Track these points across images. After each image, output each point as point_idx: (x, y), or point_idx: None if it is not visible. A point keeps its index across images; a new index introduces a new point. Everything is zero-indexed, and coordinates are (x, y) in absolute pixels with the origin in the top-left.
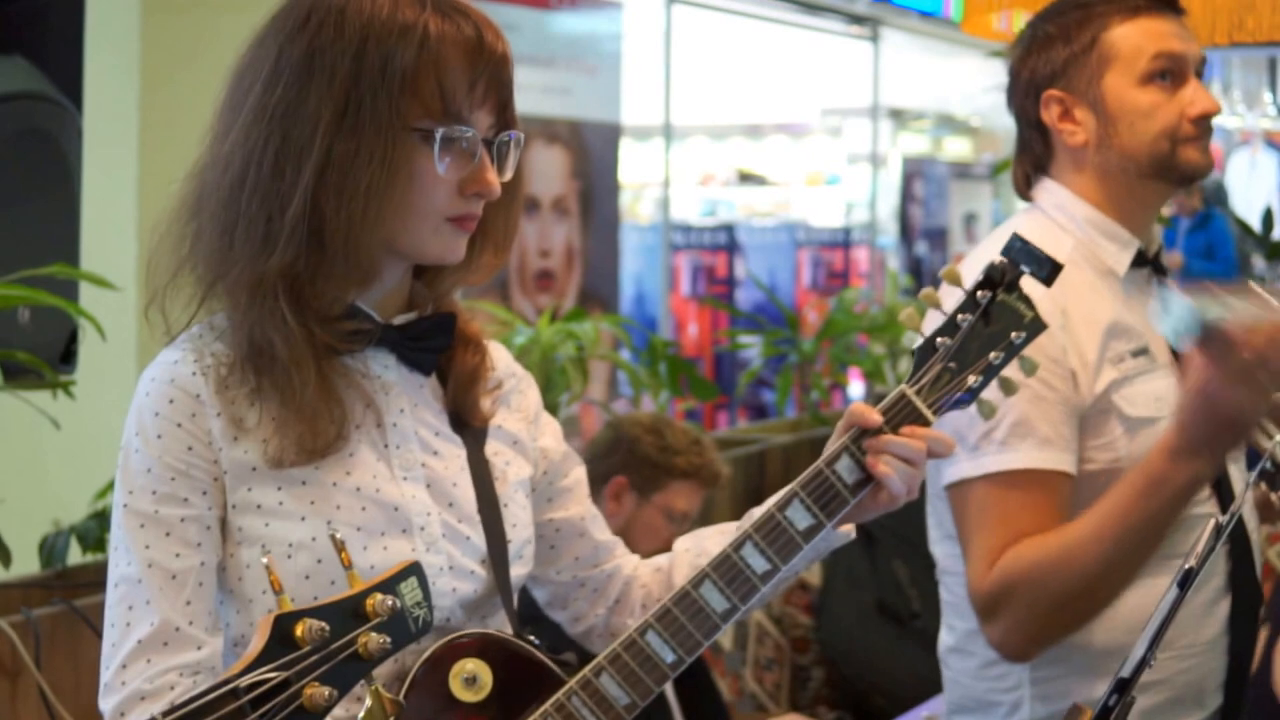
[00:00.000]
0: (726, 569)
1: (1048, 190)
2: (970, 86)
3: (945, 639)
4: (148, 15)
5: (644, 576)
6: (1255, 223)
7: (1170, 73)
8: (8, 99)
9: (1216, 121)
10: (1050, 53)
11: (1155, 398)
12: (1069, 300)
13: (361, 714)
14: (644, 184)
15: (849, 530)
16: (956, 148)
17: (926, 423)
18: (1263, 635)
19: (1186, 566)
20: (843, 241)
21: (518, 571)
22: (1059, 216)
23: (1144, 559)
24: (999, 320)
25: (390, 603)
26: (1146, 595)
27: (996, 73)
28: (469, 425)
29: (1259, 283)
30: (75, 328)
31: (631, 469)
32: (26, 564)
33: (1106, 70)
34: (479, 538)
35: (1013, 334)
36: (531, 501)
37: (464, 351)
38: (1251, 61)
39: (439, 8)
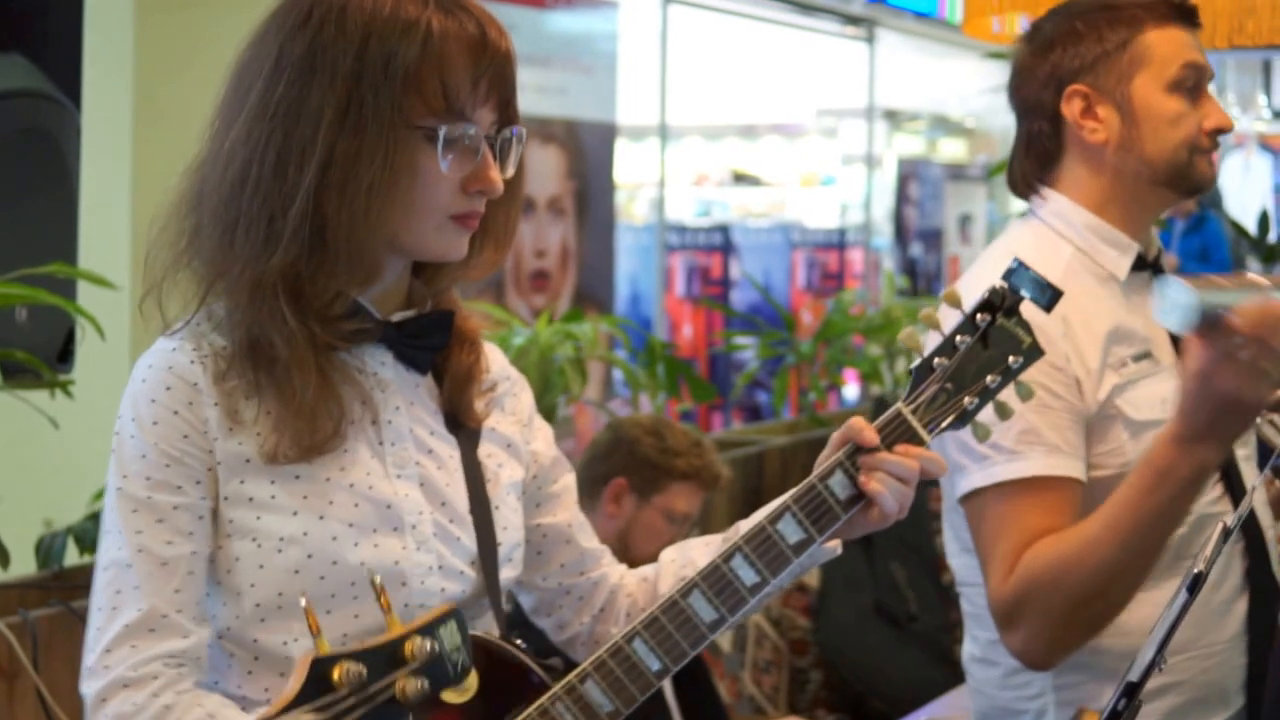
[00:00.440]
0: (716, 580)
1: (1046, 198)
2: (965, 88)
3: (969, 649)
4: (141, 14)
5: (630, 586)
6: (1249, 225)
7: (1194, 84)
8: (7, 97)
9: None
10: (1079, 48)
11: (1160, 400)
12: (1069, 308)
13: None
14: (639, 184)
15: (835, 545)
16: (951, 149)
17: (921, 442)
18: None
19: (1195, 570)
20: (837, 243)
21: (507, 574)
22: (1057, 224)
23: (1157, 553)
24: (997, 344)
25: (430, 646)
26: (1167, 599)
27: (992, 74)
28: (463, 426)
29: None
30: (73, 327)
31: (632, 471)
32: (24, 565)
33: (1138, 72)
34: (469, 539)
35: (1010, 358)
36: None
37: (460, 350)
38: (1246, 65)
39: (442, 4)
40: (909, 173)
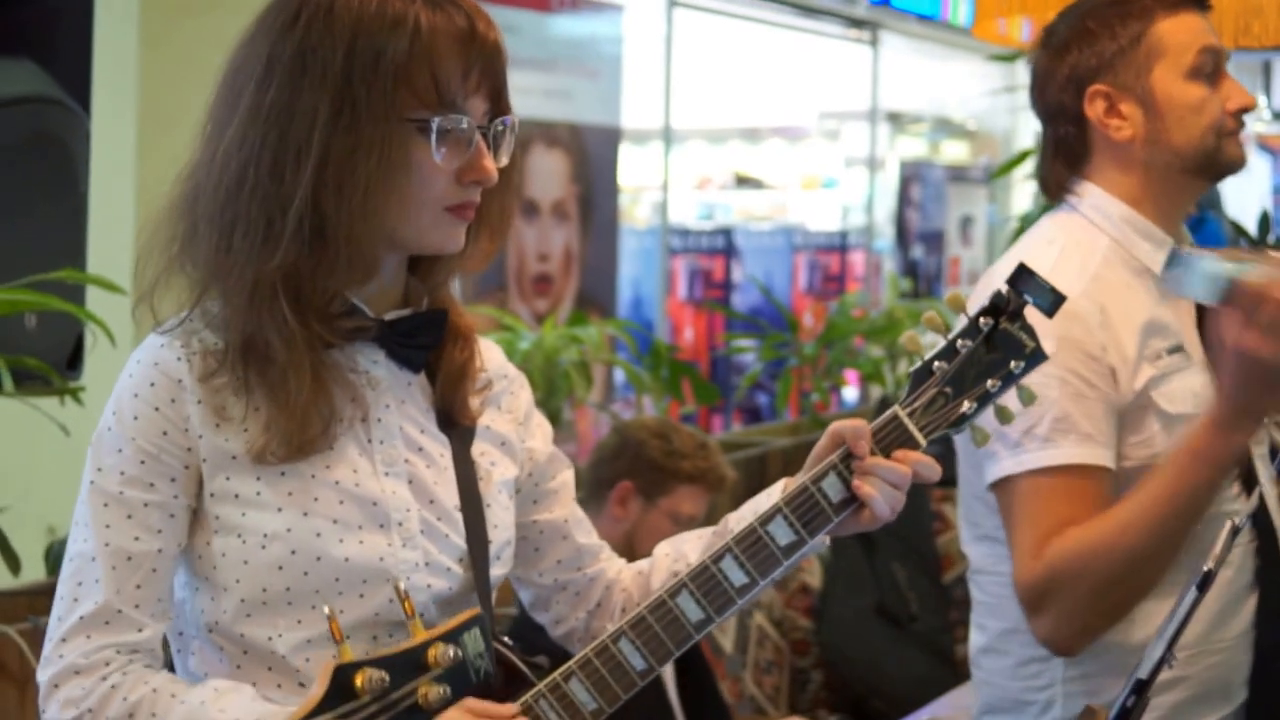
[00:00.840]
0: (704, 580)
1: (1085, 191)
2: (968, 90)
3: (977, 640)
4: (146, 20)
5: (625, 581)
6: (1249, 226)
7: (1212, 68)
8: (18, 102)
9: None
10: (1095, 47)
11: (1192, 394)
12: (1107, 299)
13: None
14: (641, 188)
15: (823, 541)
16: (954, 151)
17: (917, 445)
18: None
19: (1205, 569)
20: (839, 245)
21: (496, 572)
22: (1094, 216)
23: (1185, 536)
24: (1000, 348)
25: (453, 653)
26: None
27: (994, 76)
28: (456, 424)
29: None
30: (82, 333)
31: (637, 474)
32: (34, 571)
33: (1155, 64)
34: (458, 536)
35: (1013, 363)
36: (517, 502)
37: (453, 348)
38: (1245, 66)
39: None
40: (911, 175)
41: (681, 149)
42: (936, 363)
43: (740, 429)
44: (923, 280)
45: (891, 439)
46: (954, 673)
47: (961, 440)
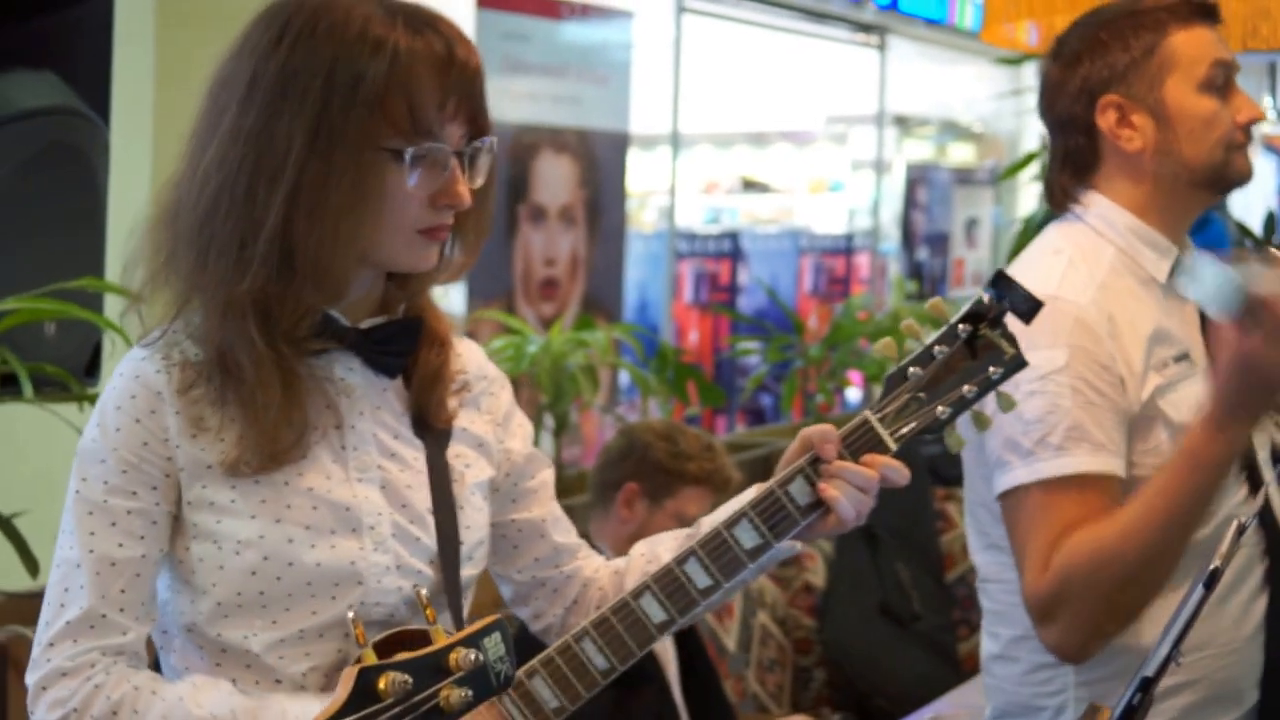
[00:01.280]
0: (668, 582)
1: (1092, 201)
2: (974, 93)
3: (989, 647)
4: (162, 29)
5: (602, 579)
6: (1254, 227)
7: (1223, 81)
8: (39, 114)
9: None
10: (1107, 58)
11: (1199, 402)
12: (1114, 308)
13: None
14: (649, 192)
15: (794, 544)
16: (960, 154)
17: (887, 450)
18: None
19: (1211, 567)
20: (844, 248)
21: (468, 572)
22: (1100, 226)
23: (1189, 537)
24: (979, 354)
25: (474, 657)
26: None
27: (1000, 80)
28: (431, 427)
29: None
30: (100, 340)
31: (644, 475)
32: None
33: (1168, 76)
34: (429, 538)
35: (991, 369)
36: (495, 501)
37: (428, 352)
38: (1251, 67)
39: (410, 24)
40: (918, 177)
41: (689, 154)
42: (911, 368)
43: (745, 430)
44: (928, 282)
45: (861, 443)
46: (956, 671)
47: (976, 452)
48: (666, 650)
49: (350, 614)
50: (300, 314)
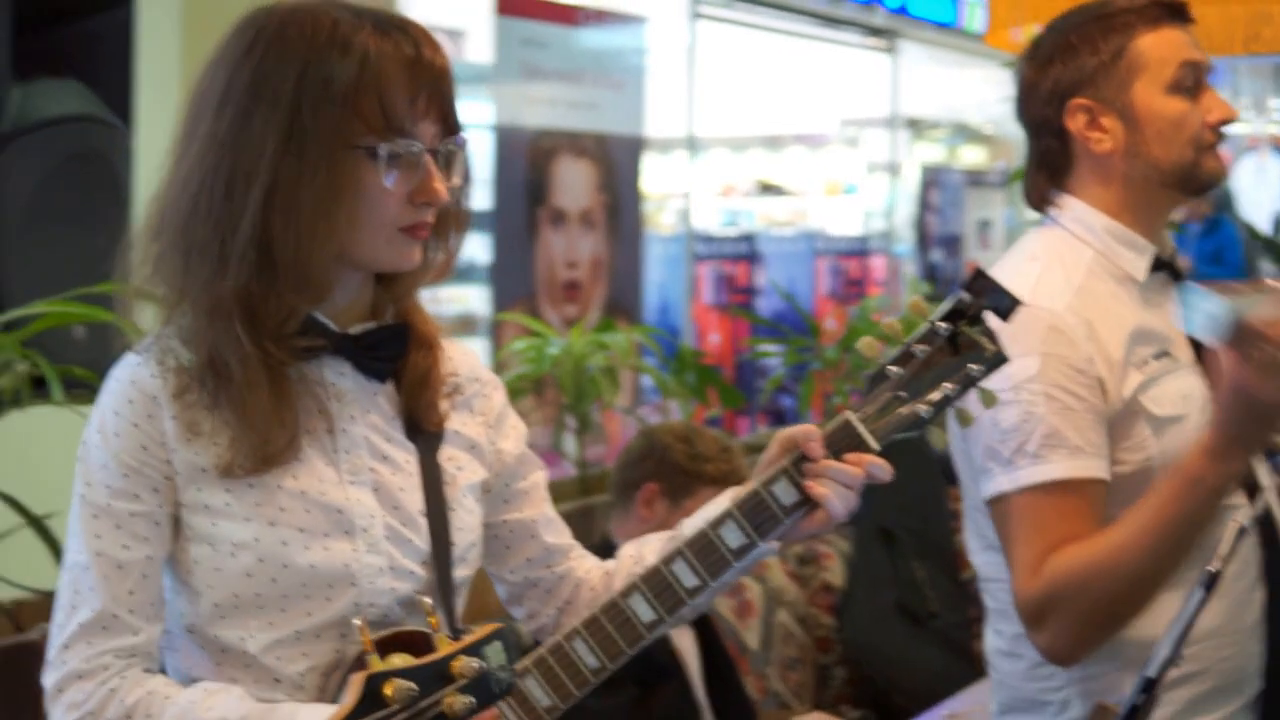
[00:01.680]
0: (656, 582)
1: (1066, 205)
2: (985, 96)
3: (993, 643)
4: (189, 38)
5: (594, 579)
6: (1263, 227)
7: (1193, 82)
8: (64, 121)
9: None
10: (1076, 61)
11: (1181, 396)
12: (1092, 310)
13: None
14: (666, 195)
15: (774, 544)
16: (971, 156)
17: (869, 449)
18: None
19: (1210, 569)
20: (860, 250)
21: (461, 573)
22: (1076, 229)
23: (1182, 558)
24: (959, 352)
25: (476, 665)
26: (1186, 596)
27: (1010, 82)
28: (423, 430)
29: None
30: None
31: (663, 476)
32: None
33: (1135, 79)
34: (422, 540)
35: (971, 366)
36: (487, 502)
37: (417, 355)
38: (1259, 68)
39: (378, 26)
40: (931, 180)
41: (705, 157)
42: (891, 367)
43: (766, 431)
44: (942, 283)
45: (844, 444)
46: (972, 668)
47: (961, 456)
48: (688, 647)
49: (357, 620)
50: (285, 314)
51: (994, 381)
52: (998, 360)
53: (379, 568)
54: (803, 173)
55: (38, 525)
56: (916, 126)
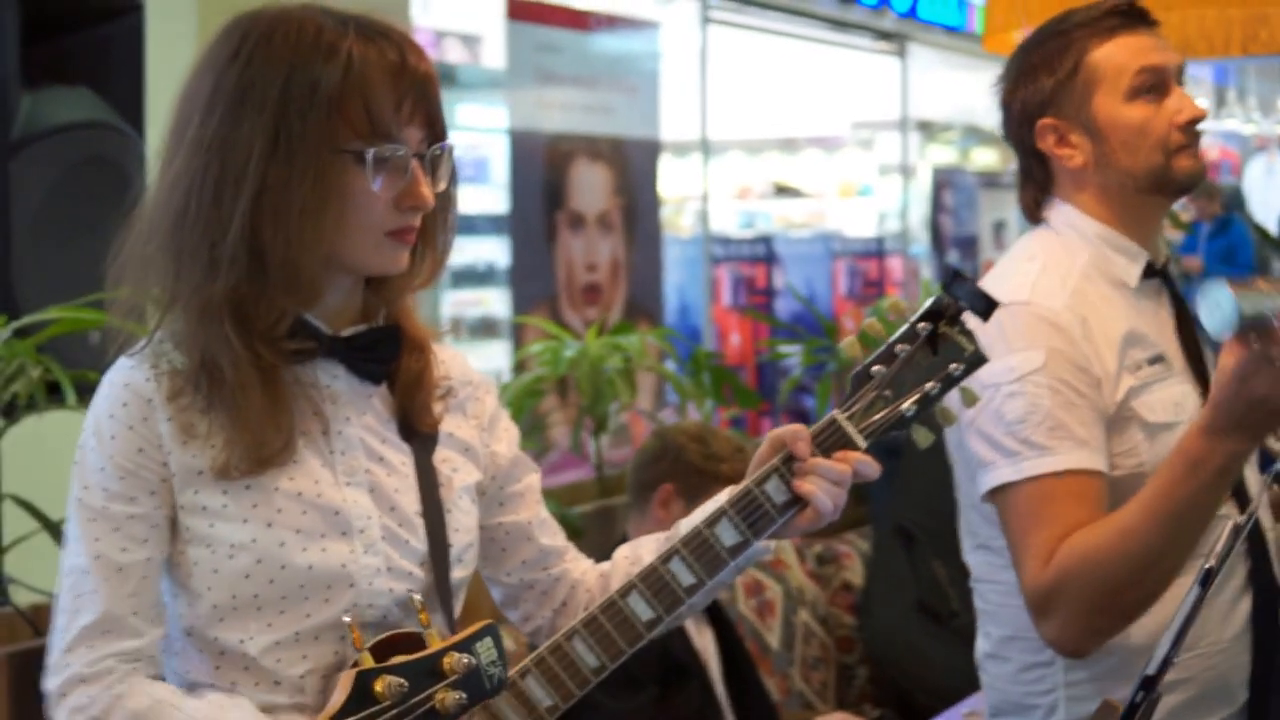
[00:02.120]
0: (653, 581)
1: (1057, 210)
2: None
3: (982, 645)
4: (200, 43)
5: (589, 581)
6: (1273, 227)
7: (1154, 86)
8: (74, 128)
9: (1233, 129)
10: (1037, 83)
11: (1174, 403)
12: (1087, 312)
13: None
14: (684, 198)
15: (768, 545)
16: (984, 158)
17: (857, 447)
18: None
19: (1206, 566)
20: (876, 251)
21: (458, 574)
22: (1069, 234)
23: (1192, 542)
24: (940, 352)
25: (466, 661)
26: (1178, 596)
27: None
28: (417, 431)
29: None
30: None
31: (678, 477)
32: None
33: (1094, 92)
34: (419, 541)
35: (952, 365)
36: (482, 505)
37: (409, 358)
38: (1266, 69)
39: (362, 32)
40: (943, 181)
41: (721, 160)
42: (875, 366)
43: None
44: None
45: (831, 442)
46: None
47: (957, 452)
48: (707, 646)
49: (347, 618)
50: (275, 316)
51: (995, 374)
52: (977, 360)
53: (376, 568)
54: (818, 175)
55: (54, 530)
56: (928, 129)
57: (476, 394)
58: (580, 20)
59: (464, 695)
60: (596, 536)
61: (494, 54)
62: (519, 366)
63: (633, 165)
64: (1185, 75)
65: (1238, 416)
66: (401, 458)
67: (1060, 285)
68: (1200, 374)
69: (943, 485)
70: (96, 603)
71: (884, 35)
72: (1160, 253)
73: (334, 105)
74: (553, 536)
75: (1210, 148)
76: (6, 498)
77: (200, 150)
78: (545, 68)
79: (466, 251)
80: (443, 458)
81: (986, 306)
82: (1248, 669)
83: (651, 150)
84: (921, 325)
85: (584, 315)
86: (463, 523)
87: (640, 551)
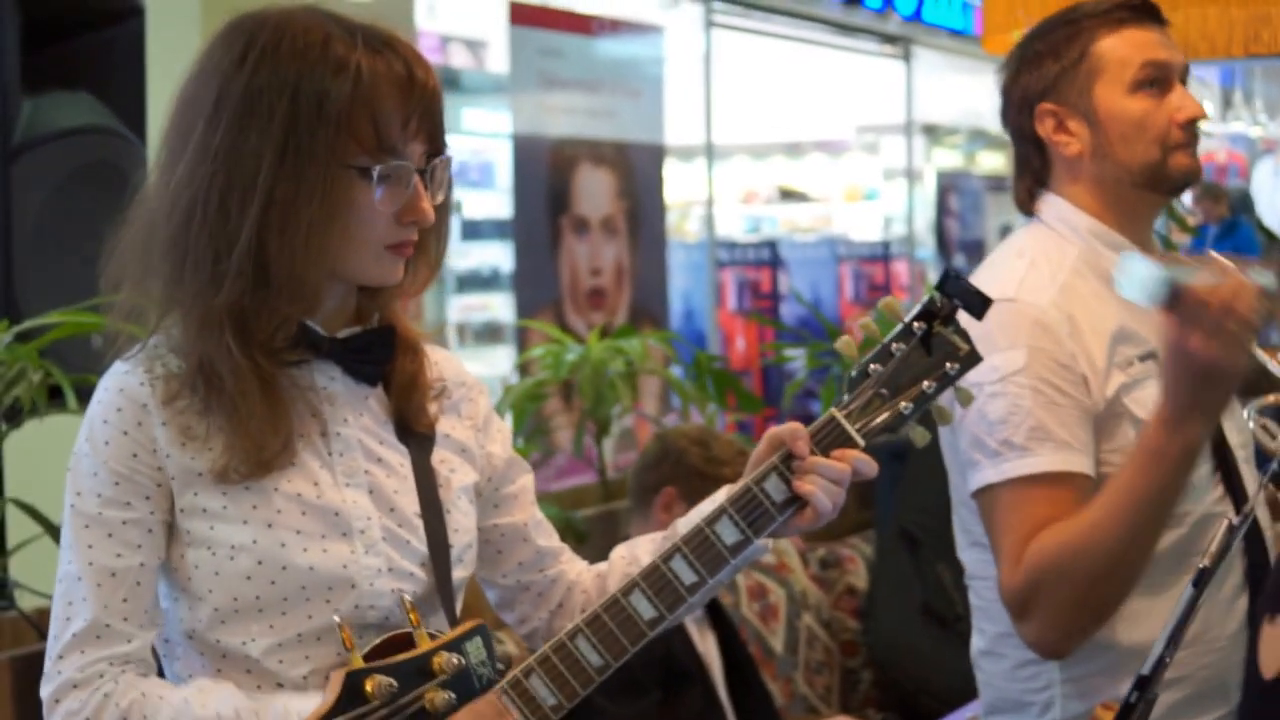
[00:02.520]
0: (655, 579)
1: (1049, 204)
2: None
3: (977, 643)
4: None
5: (585, 582)
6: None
7: (1157, 81)
8: (76, 133)
9: (1240, 131)
10: (1041, 69)
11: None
12: (1076, 308)
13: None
14: (689, 202)
15: (767, 544)
16: (990, 161)
17: (855, 445)
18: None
19: (1201, 566)
20: (882, 255)
21: (459, 574)
22: (1061, 228)
23: (1157, 533)
24: (935, 351)
25: (456, 661)
26: (1173, 596)
27: None
28: (414, 433)
29: None
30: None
31: (680, 480)
32: None
33: (1096, 81)
34: (419, 541)
35: (947, 365)
36: (478, 506)
37: (404, 360)
38: (1273, 71)
39: (369, 44)
40: (948, 185)
41: (726, 164)
42: (872, 365)
43: None
44: None
45: (830, 440)
46: None
47: (949, 450)
48: (710, 650)
49: (336, 618)
50: (276, 325)
51: (979, 374)
52: (971, 359)
53: (377, 569)
54: (823, 179)
55: (56, 533)
56: (933, 133)
57: (470, 395)
58: (584, 25)
59: (453, 695)
60: (600, 540)
61: (498, 59)
62: (521, 370)
63: (637, 170)
64: (1189, 76)
65: (1189, 395)
66: (399, 459)
67: (1049, 281)
68: None
69: (946, 488)
70: (87, 610)
71: (889, 39)
72: (1153, 248)
73: (342, 120)
74: (548, 538)
75: (1217, 150)
76: (9, 502)
77: (205, 159)
78: (549, 72)
79: (471, 256)
80: (440, 458)
81: (980, 305)
82: (1244, 668)
83: (656, 155)
84: (917, 324)
85: (588, 320)
86: (462, 523)
87: (637, 551)
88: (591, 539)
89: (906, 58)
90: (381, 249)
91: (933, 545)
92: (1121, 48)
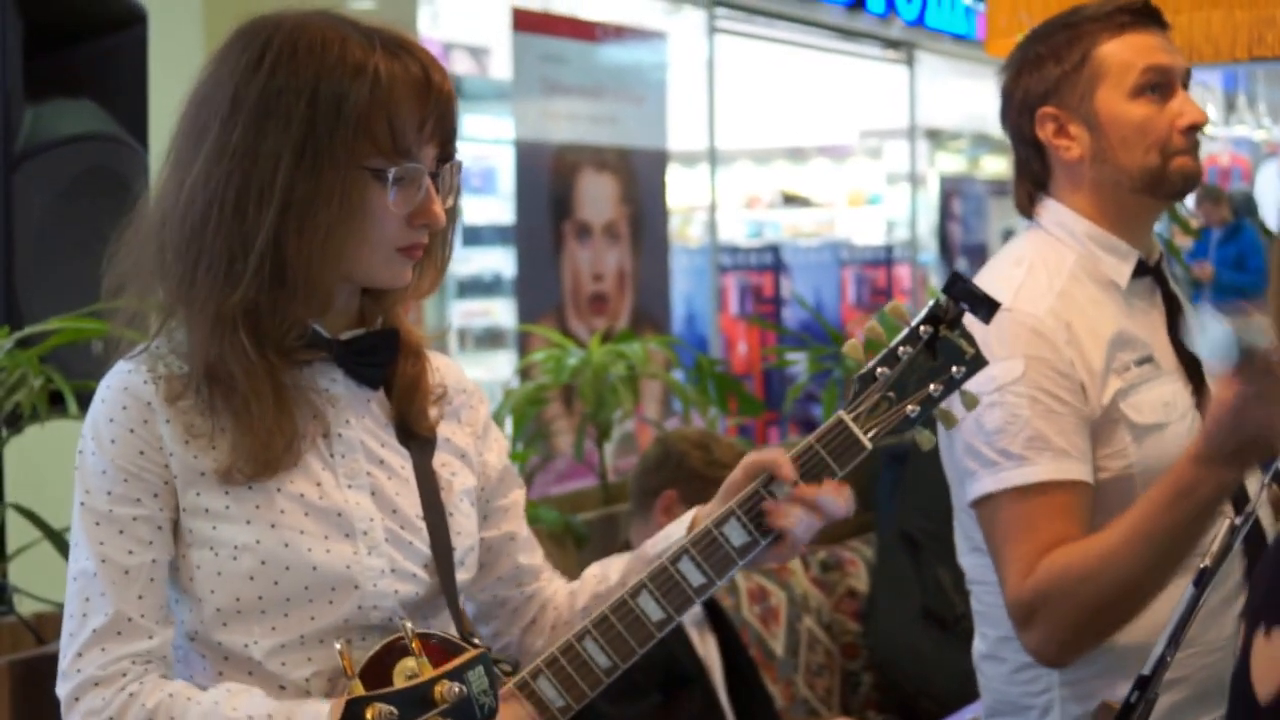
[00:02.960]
0: (663, 581)
1: (1048, 209)
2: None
3: (978, 646)
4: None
5: (558, 600)
6: None
7: (1159, 85)
8: (78, 140)
9: (1243, 135)
10: (1042, 72)
11: (1163, 403)
12: (1073, 315)
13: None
14: (692, 208)
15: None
16: (993, 166)
17: (863, 448)
18: (1242, 630)
19: (1202, 565)
20: (885, 259)
21: (462, 577)
22: (1059, 233)
23: (1174, 566)
24: (941, 355)
25: (458, 690)
26: (1173, 597)
27: None
28: (416, 436)
29: None
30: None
31: (681, 483)
32: None
33: (1098, 85)
34: (422, 543)
35: (953, 368)
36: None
37: (405, 362)
38: (1277, 75)
39: (387, 47)
40: (952, 190)
41: (729, 169)
42: (879, 368)
43: (796, 439)
44: None
45: (837, 442)
46: None
47: (947, 457)
48: (711, 653)
49: (338, 645)
50: (289, 325)
51: (977, 383)
52: (977, 363)
53: (380, 570)
54: (826, 184)
55: (56, 539)
56: (937, 137)
57: (470, 402)
58: (587, 31)
59: None
60: (601, 544)
61: (501, 65)
62: (523, 374)
63: (640, 175)
64: (1191, 80)
65: (1230, 449)
66: (401, 461)
67: (1046, 288)
68: (1192, 371)
69: (947, 491)
70: (107, 605)
71: (892, 43)
72: (1152, 251)
73: (361, 122)
74: (531, 555)
75: (1221, 154)
76: (9, 507)
77: (222, 160)
78: (552, 78)
79: (473, 262)
80: (442, 462)
81: (987, 308)
82: (1232, 680)
83: (658, 160)
84: (923, 328)
85: (590, 325)
86: (464, 526)
87: (608, 570)
88: (592, 542)
89: (909, 62)
90: (392, 251)
91: (933, 548)
92: (1123, 52)
